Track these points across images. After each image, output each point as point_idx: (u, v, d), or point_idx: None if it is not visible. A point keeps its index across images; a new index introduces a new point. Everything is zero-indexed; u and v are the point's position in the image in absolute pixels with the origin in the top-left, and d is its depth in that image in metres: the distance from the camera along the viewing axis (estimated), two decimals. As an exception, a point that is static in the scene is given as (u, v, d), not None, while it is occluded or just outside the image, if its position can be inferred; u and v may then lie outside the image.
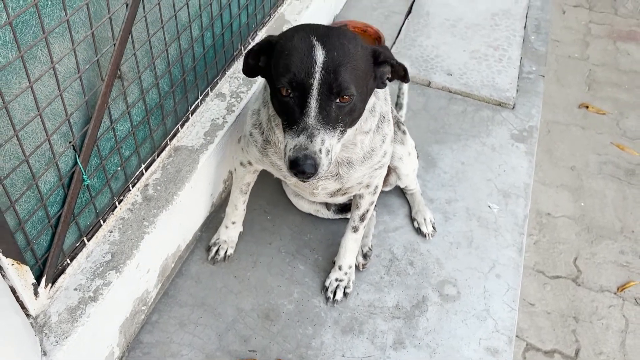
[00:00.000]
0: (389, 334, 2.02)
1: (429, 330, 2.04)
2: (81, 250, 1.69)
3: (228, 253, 2.18)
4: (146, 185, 1.91)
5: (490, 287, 2.19)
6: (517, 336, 2.48)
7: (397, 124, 2.18)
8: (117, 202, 1.81)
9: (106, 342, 1.74)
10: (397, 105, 2.62)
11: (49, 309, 1.56)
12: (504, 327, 2.07)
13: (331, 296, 2.09)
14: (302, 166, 1.39)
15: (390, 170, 2.22)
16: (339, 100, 1.41)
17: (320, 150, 1.40)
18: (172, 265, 2.07)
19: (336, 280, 2.11)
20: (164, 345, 1.92)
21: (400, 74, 1.57)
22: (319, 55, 1.37)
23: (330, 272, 2.14)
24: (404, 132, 2.19)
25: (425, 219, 2.34)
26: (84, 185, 1.59)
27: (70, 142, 1.52)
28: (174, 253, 2.05)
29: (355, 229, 2.06)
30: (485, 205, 2.48)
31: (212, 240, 2.20)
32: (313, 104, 1.39)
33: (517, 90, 3.10)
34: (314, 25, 1.48)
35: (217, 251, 2.17)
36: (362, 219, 2.04)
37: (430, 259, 2.27)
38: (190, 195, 2.01)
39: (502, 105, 2.99)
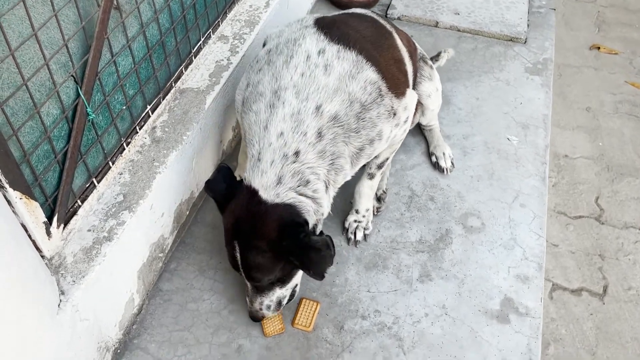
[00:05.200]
0: (414, 267, 1.95)
1: (455, 261, 1.97)
2: (91, 192, 1.63)
3: (243, 201, 2.12)
4: (154, 128, 1.84)
5: (515, 216, 2.11)
6: (542, 277, 2.42)
7: (424, 59, 2.13)
8: (125, 144, 1.74)
9: (125, 287, 1.68)
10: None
11: (63, 250, 1.51)
12: (533, 254, 2.00)
13: (352, 237, 2.03)
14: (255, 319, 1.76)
15: (417, 107, 2.13)
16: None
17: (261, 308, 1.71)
18: (187, 212, 2.00)
19: (355, 222, 2.04)
20: (184, 292, 1.87)
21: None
22: (239, 257, 1.59)
23: (348, 214, 2.07)
24: (431, 67, 2.13)
25: (444, 153, 2.27)
26: (89, 121, 1.53)
27: (70, 74, 1.45)
28: (188, 199, 1.99)
29: (372, 176, 1.98)
30: (504, 138, 2.40)
31: (227, 188, 2.14)
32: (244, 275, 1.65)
33: (528, 25, 3.00)
34: (238, 214, 1.58)
35: (231, 199, 2.11)
36: (379, 166, 1.96)
37: (451, 194, 2.19)
38: (199, 138, 1.94)
39: (514, 40, 2.89)
